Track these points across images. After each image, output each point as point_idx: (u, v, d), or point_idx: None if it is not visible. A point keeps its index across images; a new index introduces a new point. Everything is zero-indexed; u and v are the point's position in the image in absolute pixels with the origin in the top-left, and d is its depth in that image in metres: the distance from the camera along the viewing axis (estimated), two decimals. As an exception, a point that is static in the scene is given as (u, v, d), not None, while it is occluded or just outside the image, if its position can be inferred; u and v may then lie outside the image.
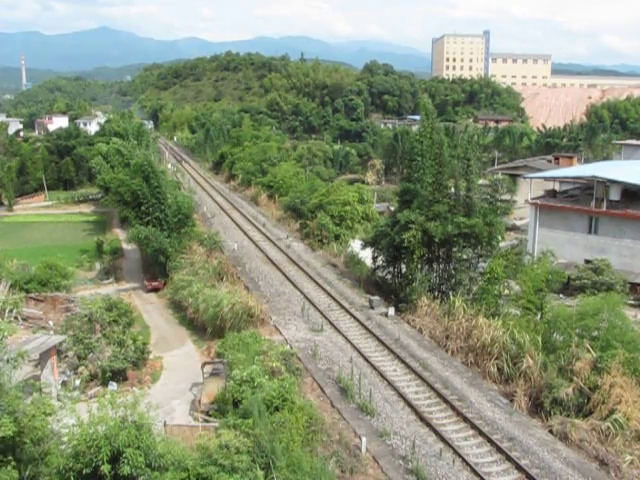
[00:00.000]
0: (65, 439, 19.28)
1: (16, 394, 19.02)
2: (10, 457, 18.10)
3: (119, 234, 77.97)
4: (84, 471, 17.93)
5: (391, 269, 45.52)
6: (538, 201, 59.32)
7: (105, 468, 17.65)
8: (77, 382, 34.76)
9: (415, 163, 43.03)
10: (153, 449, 18.53)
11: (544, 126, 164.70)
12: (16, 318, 41.26)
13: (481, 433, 27.07)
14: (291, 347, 35.41)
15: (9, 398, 18.53)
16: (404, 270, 43.08)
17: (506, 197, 43.04)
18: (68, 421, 19.37)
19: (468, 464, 24.72)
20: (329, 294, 45.03)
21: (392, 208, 54.24)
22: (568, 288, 48.13)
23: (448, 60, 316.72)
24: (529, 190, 62.42)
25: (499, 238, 41.77)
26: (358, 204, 62.12)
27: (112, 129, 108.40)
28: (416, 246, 39.68)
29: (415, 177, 42.72)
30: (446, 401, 29.70)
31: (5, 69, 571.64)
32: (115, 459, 18.01)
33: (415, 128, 47.02)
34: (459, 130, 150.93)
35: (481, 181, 72.74)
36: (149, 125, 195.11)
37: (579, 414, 28.01)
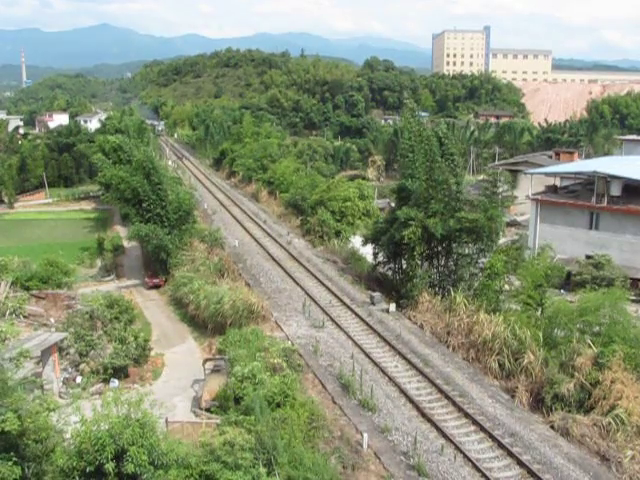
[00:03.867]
0: (68, 436, 19.30)
1: (20, 395, 19.02)
2: (12, 454, 18.11)
3: (120, 231, 77.98)
4: (87, 469, 17.95)
5: (392, 265, 45.52)
6: (539, 197, 59.26)
7: (109, 466, 17.68)
8: (79, 379, 34.82)
9: (407, 160, 42.99)
10: (157, 447, 18.54)
11: (546, 121, 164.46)
12: (17, 316, 41.27)
13: (482, 429, 27.11)
14: (292, 343, 35.42)
15: (13, 397, 18.53)
16: (405, 266, 43.08)
17: (504, 190, 42.96)
18: (71, 419, 19.38)
19: (469, 460, 24.75)
20: (330, 290, 45.04)
21: (392, 204, 54.24)
22: (569, 283, 48.13)
23: (448, 56, 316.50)
24: (530, 186, 62.32)
25: (500, 233, 41.75)
26: (359, 200, 62.16)
27: (113, 126, 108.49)
28: (416, 242, 39.66)
29: (409, 174, 42.67)
30: (447, 397, 29.73)
31: (5, 66, 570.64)
32: (118, 457, 18.03)
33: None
34: (460, 126, 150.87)
35: (481, 177, 72.90)
36: (159, 126, 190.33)
37: (580, 410, 28.04)
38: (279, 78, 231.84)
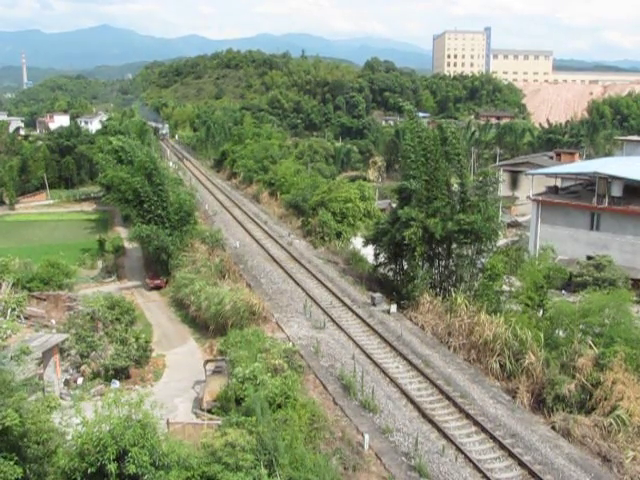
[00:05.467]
0: (70, 437, 19.31)
1: (21, 394, 19.04)
2: (14, 454, 18.11)
3: (121, 232, 78.04)
4: (89, 470, 17.96)
5: (393, 266, 45.50)
6: (540, 197, 59.28)
7: (111, 467, 17.68)
8: (80, 380, 34.85)
9: (409, 161, 43.03)
10: (158, 448, 18.55)
11: (547, 122, 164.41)
12: (18, 317, 41.31)
13: (484, 430, 27.10)
14: (293, 344, 35.43)
15: (14, 397, 18.54)
16: (406, 267, 43.07)
17: (495, 189, 42.79)
18: (72, 420, 19.39)
19: (471, 461, 24.76)
20: (331, 291, 45.04)
21: (393, 205, 54.26)
22: (570, 284, 48.11)
23: (449, 57, 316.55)
24: (531, 186, 62.36)
25: (498, 233, 41.73)
26: (360, 201, 62.09)
27: (113, 127, 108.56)
28: (417, 243, 39.66)
29: (410, 174, 42.72)
30: (448, 398, 29.74)
31: (6, 68, 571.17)
32: (120, 458, 18.03)
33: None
34: (461, 126, 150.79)
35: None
36: (163, 129, 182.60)
37: (581, 410, 28.04)
38: (280, 79, 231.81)
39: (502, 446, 25.88)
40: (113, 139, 77.13)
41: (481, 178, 42.33)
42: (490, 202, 41.07)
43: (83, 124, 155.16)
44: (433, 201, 40.66)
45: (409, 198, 41.97)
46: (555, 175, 66.42)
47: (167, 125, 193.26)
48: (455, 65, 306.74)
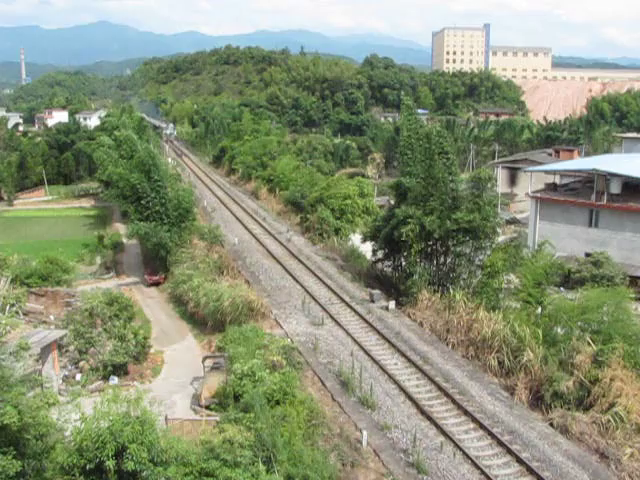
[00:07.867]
0: (68, 433, 19.31)
1: (19, 390, 19.04)
2: (12, 449, 18.12)
3: (120, 228, 78.02)
4: (87, 466, 17.96)
5: (391, 263, 45.46)
6: (538, 194, 59.25)
7: (110, 464, 17.69)
8: (78, 376, 34.85)
9: (406, 158, 42.88)
10: (156, 444, 18.54)
11: (546, 119, 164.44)
12: (17, 313, 41.28)
13: (482, 426, 27.10)
14: (292, 341, 35.44)
15: (13, 393, 18.54)
16: (404, 263, 43.02)
17: (489, 187, 42.69)
18: (71, 416, 19.39)
19: (469, 457, 24.76)
20: (330, 288, 45.03)
21: (392, 201, 54.21)
22: (569, 281, 48.10)
23: (448, 53, 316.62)
24: (529, 183, 62.34)
25: (496, 231, 41.69)
26: (358, 198, 62.09)
27: (110, 123, 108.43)
28: (414, 240, 39.61)
29: (407, 172, 42.58)
30: (447, 394, 29.73)
31: (5, 64, 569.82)
32: (118, 454, 18.04)
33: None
34: (460, 123, 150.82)
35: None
36: (167, 129, 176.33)
37: (579, 407, 28.04)
38: (279, 75, 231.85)
39: (500, 443, 25.89)
40: (116, 132, 77.23)
41: (475, 179, 42.19)
42: (486, 201, 40.98)
43: (82, 120, 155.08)
44: (430, 198, 40.57)
45: (406, 195, 41.91)
46: (554, 172, 66.40)
47: (172, 124, 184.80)
48: (454, 62, 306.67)
